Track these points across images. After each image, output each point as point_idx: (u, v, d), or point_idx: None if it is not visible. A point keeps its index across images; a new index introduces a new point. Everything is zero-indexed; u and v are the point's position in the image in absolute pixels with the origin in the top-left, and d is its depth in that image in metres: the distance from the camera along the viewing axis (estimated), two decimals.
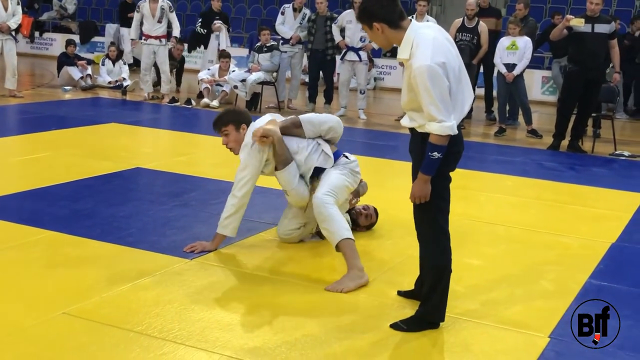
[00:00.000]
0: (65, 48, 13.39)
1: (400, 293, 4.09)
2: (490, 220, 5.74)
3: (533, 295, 4.23)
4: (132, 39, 12.31)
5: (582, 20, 8.65)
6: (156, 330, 3.52)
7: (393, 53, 15.64)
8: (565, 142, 9.13)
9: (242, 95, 11.24)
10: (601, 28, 8.68)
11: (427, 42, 3.37)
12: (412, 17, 10.56)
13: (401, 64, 11.01)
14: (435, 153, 3.38)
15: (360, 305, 3.96)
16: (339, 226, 4.32)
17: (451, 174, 3.62)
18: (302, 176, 4.69)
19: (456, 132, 3.39)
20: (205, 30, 12.48)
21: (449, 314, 3.75)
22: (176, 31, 11.86)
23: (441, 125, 3.33)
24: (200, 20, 12.79)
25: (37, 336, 3.42)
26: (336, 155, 4.74)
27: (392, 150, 8.63)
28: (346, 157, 4.80)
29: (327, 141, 4.78)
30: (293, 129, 4.69)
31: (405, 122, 3.57)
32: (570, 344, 3.55)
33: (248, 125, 4.71)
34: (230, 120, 4.72)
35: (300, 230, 4.86)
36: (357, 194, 5.12)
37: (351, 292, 4.09)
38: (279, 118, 4.79)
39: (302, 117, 4.77)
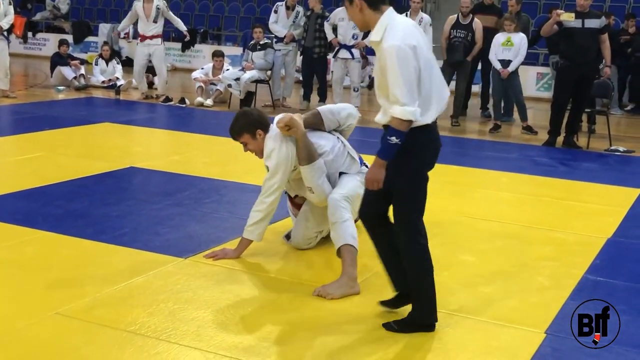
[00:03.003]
0: (58, 48, 13.34)
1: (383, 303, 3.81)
2: (486, 216, 5.72)
3: (529, 291, 4.22)
4: (118, 31, 12.55)
5: (572, 15, 8.65)
6: (150, 329, 3.49)
7: None
8: (560, 139, 9.12)
9: (236, 94, 11.18)
10: (591, 23, 8.68)
11: (400, 26, 3.36)
12: (407, 13, 10.54)
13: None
14: (394, 138, 3.28)
15: (353, 305, 3.93)
16: (347, 232, 4.25)
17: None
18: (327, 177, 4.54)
19: (418, 118, 3.28)
20: None
21: (444, 310, 3.73)
22: (182, 26, 12.03)
23: (404, 109, 3.24)
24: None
25: (30, 337, 3.40)
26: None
27: None
28: (366, 166, 4.64)
29: (343, 133, 4.73)
30: (313, 119, 4.57)
31: (379, 117, 3.46)
32: (567, 339, 3.54)
33: (264, 130, 4.50)
34: (242, 129, 4.52)
35: (317, 238, 4.78)
36: None
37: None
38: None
39: (320, 107, 4.72)
